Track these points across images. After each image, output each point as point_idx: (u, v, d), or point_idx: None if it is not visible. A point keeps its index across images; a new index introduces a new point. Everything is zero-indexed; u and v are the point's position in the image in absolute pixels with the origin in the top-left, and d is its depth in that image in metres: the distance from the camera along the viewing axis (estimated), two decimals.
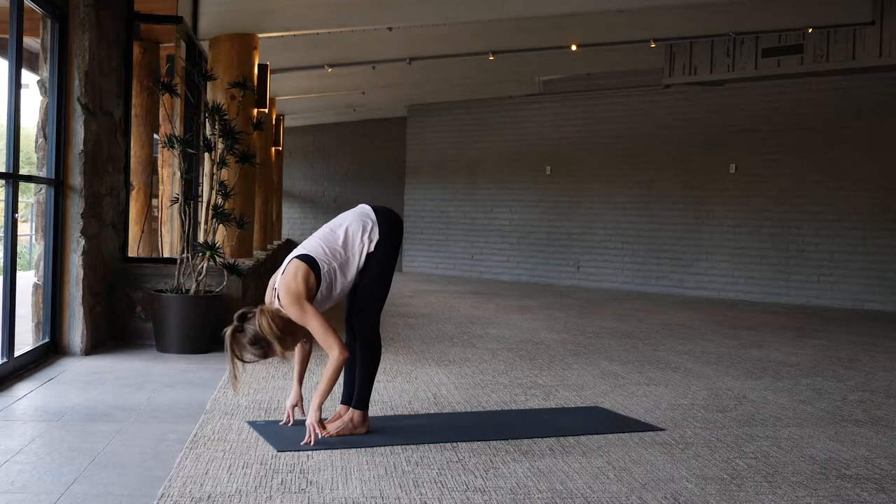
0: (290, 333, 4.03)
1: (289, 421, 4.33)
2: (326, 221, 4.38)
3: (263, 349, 3.97)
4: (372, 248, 4.17)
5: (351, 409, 4.27)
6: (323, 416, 4.34)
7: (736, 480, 3.68)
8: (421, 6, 8.86)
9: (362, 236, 4.17)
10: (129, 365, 5.89)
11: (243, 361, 3.99)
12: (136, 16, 7.42)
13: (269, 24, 8.46)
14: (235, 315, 4.03)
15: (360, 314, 4.25)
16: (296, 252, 4.18)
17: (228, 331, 3.97)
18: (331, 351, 4.00)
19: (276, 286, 4.13)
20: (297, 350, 4.32)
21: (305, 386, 5.37)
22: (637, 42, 11.52)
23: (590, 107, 14.47)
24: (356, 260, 4.17)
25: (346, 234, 4.18)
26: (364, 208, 4.29)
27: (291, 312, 4.01)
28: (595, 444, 4.19)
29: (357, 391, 4.27)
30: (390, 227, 4.23)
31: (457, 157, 16.25)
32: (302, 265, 4.07)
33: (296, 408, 4.36)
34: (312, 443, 3.99)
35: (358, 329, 4.26)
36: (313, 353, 5.81)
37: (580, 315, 9.92)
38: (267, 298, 4.21)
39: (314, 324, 3.98)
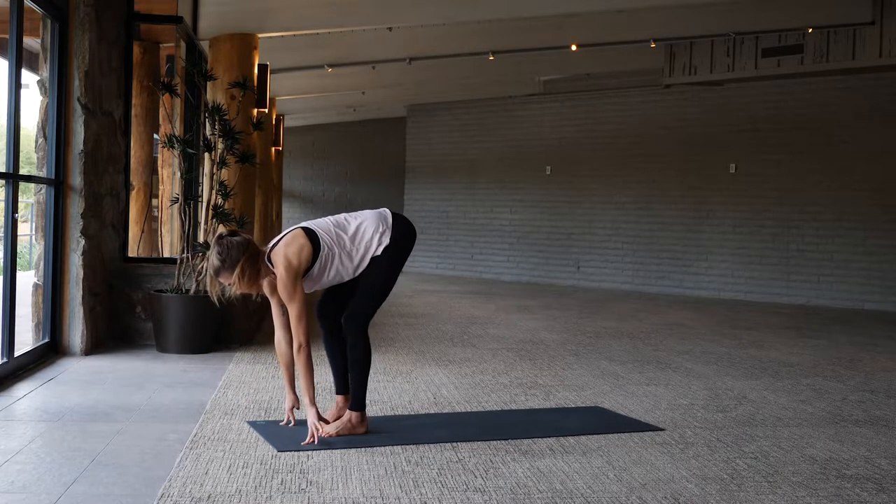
0: (250, 281, 4.06)
1: (289, 422, 4.34)
2: None
3: (223, 264, 4.02)
4: (379, 252, 4.15)
5: (348, 411, 4.26)
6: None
7: (736, 480, 3.68)
8: (421, 6, 8.86)
9: (372, 236, 4.15)
10: (129, 365, 5.89)
11: (208, 264, 4.10)
12: (136, 16, 7.42)
13: (269, 24, 8.45)
14: (232, 228, 4.17)
15: (352, 313, 4.22)
16: (302, 223, 4.19)
17: (220, 231, 4.12)
18: (296, 337, 4.04)
19: (268, 250, 4.12)
20: (281, 357, 4.31)
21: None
22: (637, 42, 11.52)
23: (590, 107, 14.47)
24: (358, 256, 4.14)
25: (358, 228, 4.17)
26: (384, 212, 4.27)
27: (282, 283, 4.03)
28: (595, 444, 4.19)
29: (351, 393, 4.27)
30: (403, 237, 4.21)
31: (457, 157, 16.25)
32: (304, 237, 4.09)
33: (294, 409, 4.36)
34: (316, 442, 4.00)
35: (346, 328, 4.22)
36: (312, 352, 5.81)
37: (580, 315, 9.91)
38: None
39: (295, 307, 4.02)
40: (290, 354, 4.26)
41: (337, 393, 4.46)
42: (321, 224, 4.17)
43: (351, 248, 4.13)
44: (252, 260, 4.06)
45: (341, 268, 4.14)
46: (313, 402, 4.09)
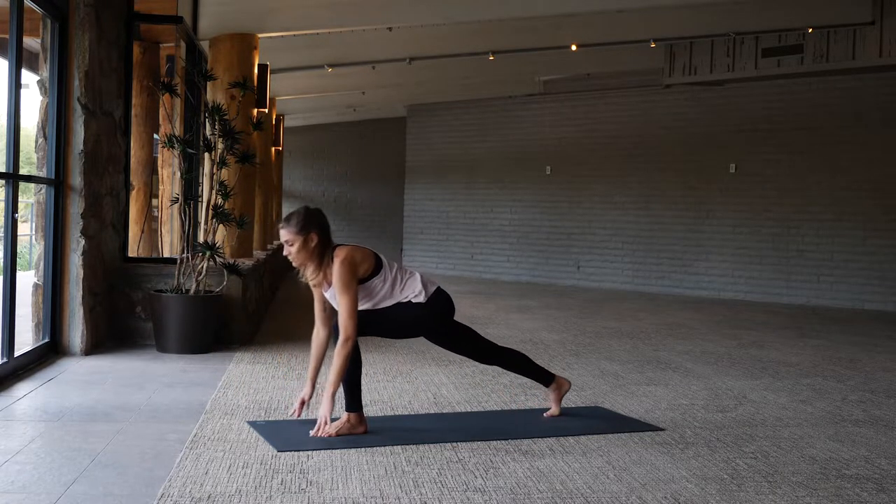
0: (307, 253, 4.17)
1: (294, 413, 4.32)
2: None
3: (297, 219, 4.17)
4: (413, 301, 4.28)
5: (345, 412, 4.26)
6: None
7: (736, 480, 3.68)
8: (421, 6, 8.86)
9: (416, 287, 4.30)
10: (129, 365, 5.89)
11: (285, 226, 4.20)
12: (136, 16, 7.42)
13: (269, 24, 8.46)
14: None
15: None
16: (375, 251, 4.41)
17: (311, 207, 4.29)
18: (344, 330, 4.10)
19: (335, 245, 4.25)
20: (315, 348, 4.37)
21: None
22: (637, 42, 11.52)
23: (590, 107, 14.47)
24: (393, 300, 4.28)
25: (412, 277, 4.33)
26: (434, 281, 4.45)
27: (338, 274, 4.12)
28: (595, 444, 4.19)
29: (344, 394, 4.28)
30: (438, 301, 4.35)
31: (457, 157, 16.25)
32: (373, 256, 4.27)
33: (305, 404, 4.35)
34: (321, 434, 4.00)
35: (335, 331, 4.24)
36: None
37: (580, 315, 9.91)
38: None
39: (347, 299, 4.11)
40: (323, 348, 4.37)
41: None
42: (388, 260, 4.37)
43: (399, 290, 4.29)
44: (322, 239, 4.18)
45: (378, 303, 4.28)
46: (332, 397, 4.12)
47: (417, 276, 4.38)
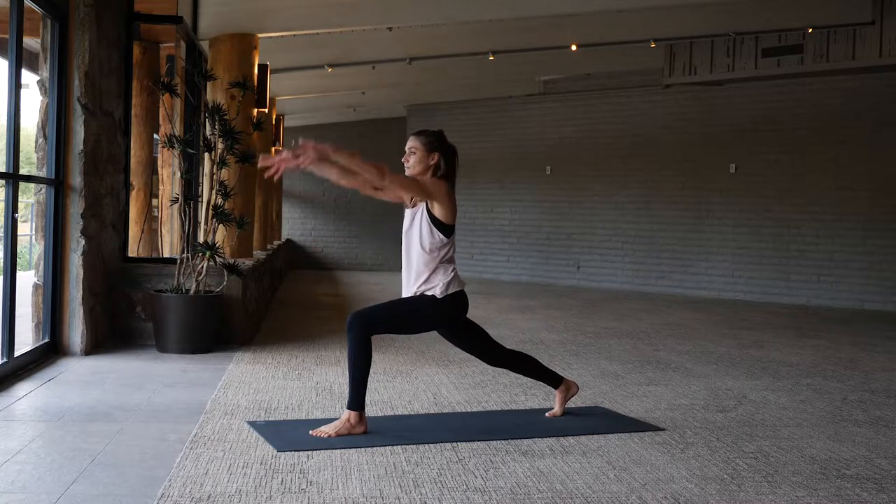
0: (425, 167, 4.34)
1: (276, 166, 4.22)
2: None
3: (431, 135, 4.39)
4: (426, 293, 4.33)
5: (346, 410, 4.26)
6: (330, 419, 4.31)
7: (736, 480, 3.67)
8: (421, 6, 8.86)
9: (439, 280, 4.34)
10: (129, 365, 5.89)
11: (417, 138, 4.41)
12: (136, 16, 7.42)
13: (269, 24, 8.46)
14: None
15: (361, 312, 4.29)
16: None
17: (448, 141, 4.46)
18: (380, 169, 4.20)
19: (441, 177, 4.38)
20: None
21: (305, 385, 5.38)
22: (637, 42, 11.52)
23: (590, 107, 14.47)
24: (417, 286, 4.32)
25: (443, 268, 4.36)
26: (463, 281, 4.55)
27: (431, 182, 4.29)
28: (595, 444, 4.19)
29: (349, 391, 4.26)
30: (454, 301, 4.45)
31: None
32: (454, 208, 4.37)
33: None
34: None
35: (349, 325, 4.24)
36: (312, 353, 5.83)
37: (580, 315, 9.91)
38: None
39: (409, 180, 4.27)
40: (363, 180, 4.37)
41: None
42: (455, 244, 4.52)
43: (437, 258, 4.33)
44: (442, 165, 4.34)
45: (421, 255, 4.30)
46: (332, 153, 4.17)
47: (452, 272, 4.42)
